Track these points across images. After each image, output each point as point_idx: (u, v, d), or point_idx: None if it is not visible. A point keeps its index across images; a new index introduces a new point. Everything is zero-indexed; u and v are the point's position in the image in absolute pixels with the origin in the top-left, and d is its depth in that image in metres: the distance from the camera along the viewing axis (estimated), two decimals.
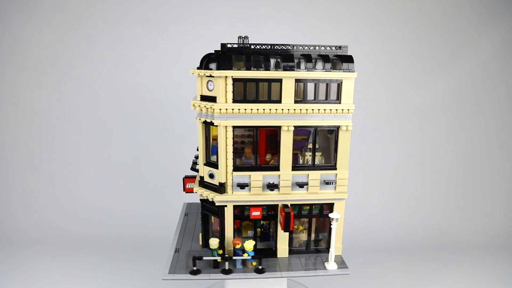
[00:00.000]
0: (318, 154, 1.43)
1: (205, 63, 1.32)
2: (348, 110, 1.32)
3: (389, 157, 2.68)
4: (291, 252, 1.46)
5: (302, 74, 1.29)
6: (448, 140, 2.66)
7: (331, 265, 1.38)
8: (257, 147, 1.37)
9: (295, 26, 2.52)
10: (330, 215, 1.33)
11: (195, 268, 1.33)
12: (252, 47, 1.35)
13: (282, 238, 1.44)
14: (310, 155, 1.42)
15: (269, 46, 1.35)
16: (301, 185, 1.37)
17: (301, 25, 2.52)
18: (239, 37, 1.41)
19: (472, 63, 2.56)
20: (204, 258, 1.34)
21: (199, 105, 1.34)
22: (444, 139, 2.66)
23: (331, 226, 1.35)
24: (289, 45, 1.35)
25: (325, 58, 1.33)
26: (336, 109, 1.32)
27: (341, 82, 1.32)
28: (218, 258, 1.34)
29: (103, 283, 2.03)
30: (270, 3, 2.53)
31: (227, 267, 1.34)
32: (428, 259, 2.28)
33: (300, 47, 1.36)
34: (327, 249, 1.45)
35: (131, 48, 2.56)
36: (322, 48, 1.36)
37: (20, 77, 2.56)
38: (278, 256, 1.45)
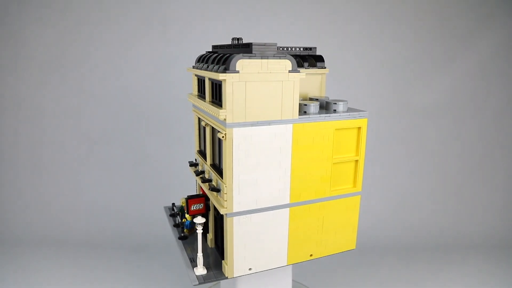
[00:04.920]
0: None
1: None
2: (218, 115, 1.18)
3: (390, 157, 2.70)
4: (216, 246, 1.52)
5: (198, 72, 1.32)
6: (449, 139, 2.68)
7: (199, 270, 1.35)
8: None
9: (295, 26, 2.51)
10: (195, 219, 1.31)
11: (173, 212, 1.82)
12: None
13: (211, 227, 1.53)
14: None
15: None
16: (203, 180, 1.41)
17: (302, 25, 2.51)
18: (233, 39, 1.55)
19: (473, 62, 2.58)
20: (175, 205, 1.78)
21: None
22: (445, 139, 2.68)
23: (197, 231, 1.32)
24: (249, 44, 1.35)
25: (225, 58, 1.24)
26: (217, 114, 1.22)
27: (221, 84, 1.19)
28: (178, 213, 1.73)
29: (103, 283, 2.02)
30: (271, 3, 2.50)
31: (177, 222, 1.71)
32: (428, 259, 2.29)
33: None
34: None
35: (131, 48, 2.56)
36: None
37: (20, 77, 2.56)
38: (208, 243, 1.56)
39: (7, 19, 2.47)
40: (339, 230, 1.48)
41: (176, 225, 1.69)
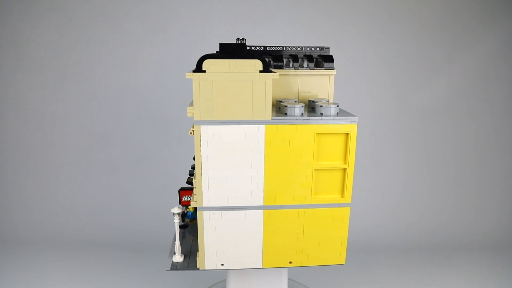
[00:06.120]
0: None
1: None
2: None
3: (389, 157, 2.70)
4: None
5: None
6: (449, 140, 2.68)
7: (176, 257, 1.44)
8: None
9: (295, 27, 2.50)
10: (171, 209, 1.40)
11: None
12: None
13: None
14: None
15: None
16: (191, 173, 1.48)
17: (301, 25, 2.52)
18: (237, 39, 1.58)
19: (472, 63, 2.59)
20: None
21: None
22: (444, 139, 2.68)
23: (174, 221, 1.40)
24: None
25: None
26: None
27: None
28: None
29: (102, 283, 2.01)
30: (271, 4, 2.50)
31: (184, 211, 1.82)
32: (428, 260, 2.28)
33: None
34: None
35: (132, 48, 2.51)
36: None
37: (20, 77, 2.56)
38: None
39: (8, 19, 2.48)
40: (324, 242, 1.39)
41: (183, 214, 1.81)
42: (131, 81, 2.56)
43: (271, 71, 1.21)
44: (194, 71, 1.20)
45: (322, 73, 1.51)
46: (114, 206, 2.58)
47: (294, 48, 1.55)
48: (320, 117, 1.26)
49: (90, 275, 2.08)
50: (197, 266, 1.38)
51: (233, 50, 1.19)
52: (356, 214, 2.46)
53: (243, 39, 1.54)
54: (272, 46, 1.56)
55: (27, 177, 2.64)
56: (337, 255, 1.41)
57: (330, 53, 1.53)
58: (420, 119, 2.66)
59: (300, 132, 1.26)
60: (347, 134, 1.29)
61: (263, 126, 1.25)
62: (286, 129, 1.26)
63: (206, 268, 1.37)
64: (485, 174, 2.67)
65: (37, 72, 2.56)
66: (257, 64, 1.20)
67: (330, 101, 1.55)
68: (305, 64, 1.48)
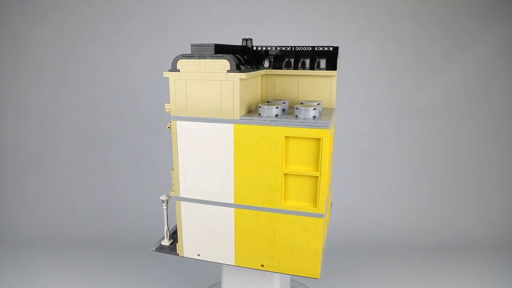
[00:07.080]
0: None
1: None
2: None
3: (389, 157, 2.68)
4: None
5: None
6: (449, 140, 2.65)
7: (165, 241, 1.56)
8: None
9: (295, 27, 2.49)
10: (160, 197, 1.51)
11: None
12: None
13: None
14: None
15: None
16: None
17: (301, 25, 2.49)
18: (243, 39, 1.61)
19: (472, 63, 2.57)
20: None
21: None
22: (444, 139, 2.65)
23: (163, 207, 1.52)
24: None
25: None
26: None
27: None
28: None
29: (102, 283, 2.00)
30: (271, 4, 2.48)
31: None
32: (428, 260, 2.28)
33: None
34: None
35: (131, 48, 2.50)
36: None
37: (20, 77, 2.53)
38: None
39: (8, 19, 2.48)
40: (297, 251, 1.33)
41: None
42: (131, 81, 2.54)
43: (237, 71, 1.22)
44: (169, 70, 1.29)
45: (322, 74, 1.45)
46: (114, 206, 2.58)
47: (302, 48, 1.50)
48: (288, 120, 1.22)
49: (90, 275, 2.08)
50: (177, 253, 1.47)
51: (203, 50, 1.24)
52: (357, 214, 2.59)
53: (250, 39, 1.58)
54: (278, 46, 1.54)
55: (27, 177, 2.64)
56: (311, 267, 1.34)
57: (337, 53, 1.45)
58: (420, 119, 2.65)
59: (269, 133, 1.24)
60: (319, 139, 1.21)
61: (231, 125, 1.27)
62: (254, 130, 1.25)
63: (184, 255, 1.45)
64: (485, 174, 2.65)
65: (37, 72, 2.56)
66: (225, 64, 1.22)
67: (322, 104, 1.47)
68: (306, 65, 1.43)
